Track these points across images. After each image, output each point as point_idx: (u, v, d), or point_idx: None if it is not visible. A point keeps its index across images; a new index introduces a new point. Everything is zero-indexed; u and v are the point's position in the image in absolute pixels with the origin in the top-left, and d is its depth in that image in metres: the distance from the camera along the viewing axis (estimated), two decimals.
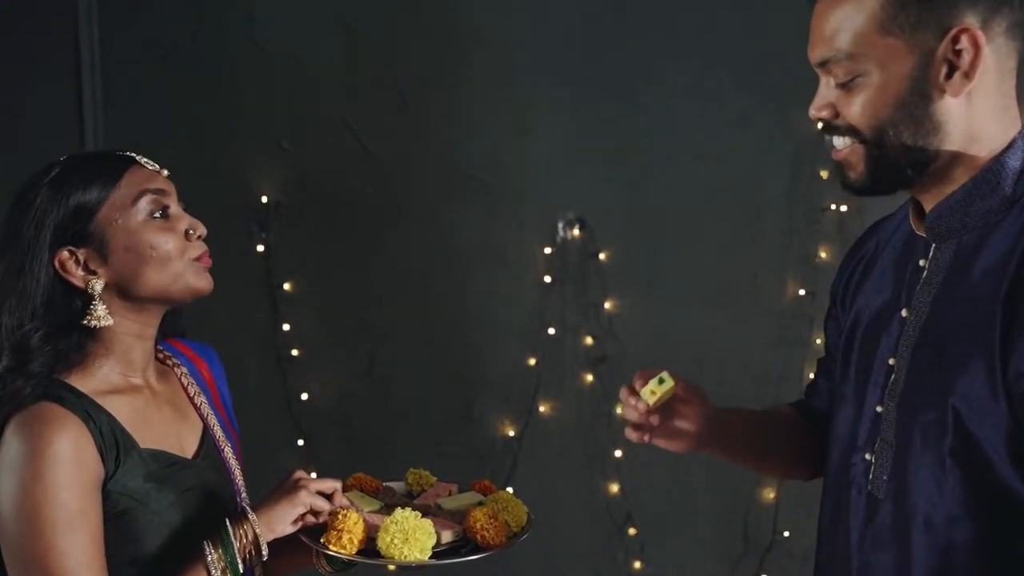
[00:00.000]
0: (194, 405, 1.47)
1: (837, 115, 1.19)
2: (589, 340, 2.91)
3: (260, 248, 2.99)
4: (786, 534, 2.81)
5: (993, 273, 1.12)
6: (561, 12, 2.84)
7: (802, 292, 2.77)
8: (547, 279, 2.90)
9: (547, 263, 2.90)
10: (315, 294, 3.02)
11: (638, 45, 2.80)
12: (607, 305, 2.89)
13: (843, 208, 2.75)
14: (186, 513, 1.34)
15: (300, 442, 3.03)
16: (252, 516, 1.32)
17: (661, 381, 1.34)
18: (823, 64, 1.18)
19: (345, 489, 1.49)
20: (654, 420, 1.37)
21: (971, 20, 1.11)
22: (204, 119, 3.00)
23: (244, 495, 1.46)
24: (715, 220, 2.82)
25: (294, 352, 3.02)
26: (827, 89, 1.19)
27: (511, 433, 2.95)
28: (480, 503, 1.44)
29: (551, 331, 2.91)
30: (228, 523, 1.31)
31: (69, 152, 1.41)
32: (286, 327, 3.01)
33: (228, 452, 1.47)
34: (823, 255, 2.76)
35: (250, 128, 3.00)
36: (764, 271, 2.82)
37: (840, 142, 1.21)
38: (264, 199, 2.99)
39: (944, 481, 1.11)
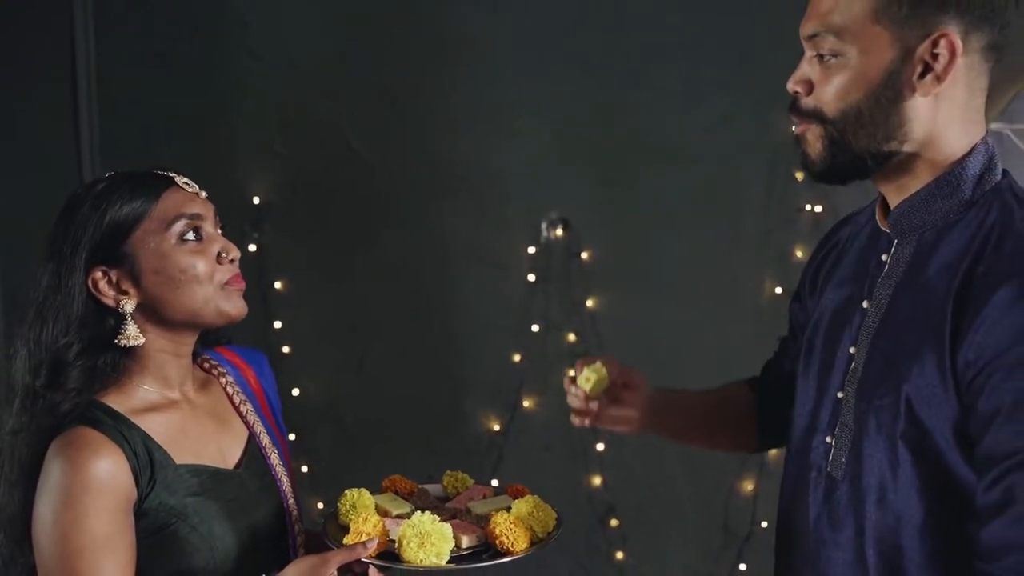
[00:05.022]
0: (239, 413, 1.48)
1: (811, 92, 1.25)
2: (572, 337, 2.95)
3: (252, 248, 3.00)
4: (764, 525, 2.85)
5: (948, 269, 1.19)
6: (547, 16, 2.87)
7: (779, 291, 2.81)
8: (531, 278, 2.94)
9: (531, 262, 2.94)
10: (306, 293, 3.05)
11: (622, 49, 2.84)
12: (589, 303, 2.92)
13: (818, 208, 2.80)
14: (231, 523, 1.35)
15: (291, 437, 3.06)
16: None
17: (595, 371, 1.44)
18: (812, 37, 1.24)
19: (380, 491, 1.52)
20: (593, 406, 1.49)
21: (953, 29, 1.18)
22: (198, 122, 3.01)
23: (291, 502, 1.46)
24: (695, 220, 2.86)
25: (285, 349, 3.04)
26: (808, 65, 1.26)
27: (496, 428, 2.99)
28: (508, 507, 1.45)
29: (535, 328, 2.95)
30: None
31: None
32: (277, 324, 3.04)
33: (275, 459, 1.46)
34: (799, 255, 2.79)
35: (243, 130, 3.02)
36: (742, 270, 2.86)
37: (798, 120, 1.27)
38: (256, 200, 3.01)
39: (896, 463, 1.18)
